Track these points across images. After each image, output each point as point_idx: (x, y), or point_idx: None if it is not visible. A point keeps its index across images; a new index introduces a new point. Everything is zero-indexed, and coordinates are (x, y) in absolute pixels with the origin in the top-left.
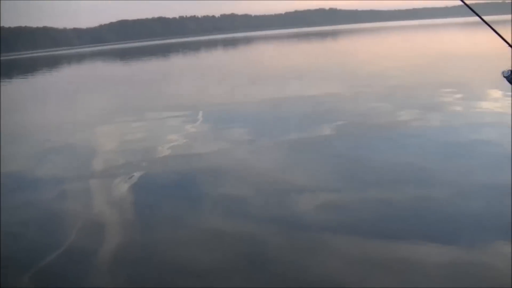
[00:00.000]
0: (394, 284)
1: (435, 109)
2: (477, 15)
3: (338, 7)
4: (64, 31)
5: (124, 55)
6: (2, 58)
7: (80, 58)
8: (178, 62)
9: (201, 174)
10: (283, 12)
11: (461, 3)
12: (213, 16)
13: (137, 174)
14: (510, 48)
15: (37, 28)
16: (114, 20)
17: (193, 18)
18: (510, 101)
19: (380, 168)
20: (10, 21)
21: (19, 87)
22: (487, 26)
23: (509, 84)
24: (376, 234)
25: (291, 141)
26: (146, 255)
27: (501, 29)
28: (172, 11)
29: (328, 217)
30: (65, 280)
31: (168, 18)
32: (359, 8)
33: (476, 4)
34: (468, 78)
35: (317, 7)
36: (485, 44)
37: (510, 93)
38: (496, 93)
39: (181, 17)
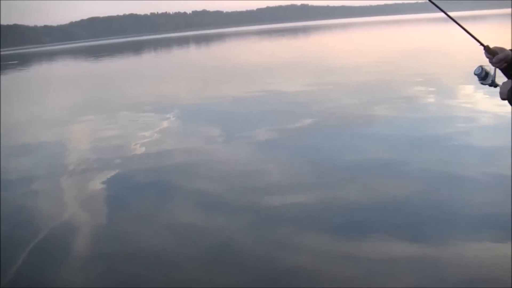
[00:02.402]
0: (359, 275)
1: (407, 103)
2: (446, 14)
3: (310, 3)
4: (34, 28)
5: (95, 53)
6: None
7: (51, 55)
8: (150, 59)
9: (175, 170)
10: (254, 9)
11: None
12: (185, 13)
13: (112, 171)
14: (481, 46)
15: (7, 26)
16: (84, 17)
17: (165, 15)
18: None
19: (351, 163)
20: None
21: None
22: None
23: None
24: (344, 228)
25: (264, 137)
26: (119, 250)
27: (472, 24)
28: (143, 7)
29: (298, 211)
30: (40, 273)
31: (139, 15)
32: (331, 4)
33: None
34: (440, 72)
35: (289, 3)
36: (458, 38)
37: (480, 87)
38: (467, 87)
39: (153, 14)
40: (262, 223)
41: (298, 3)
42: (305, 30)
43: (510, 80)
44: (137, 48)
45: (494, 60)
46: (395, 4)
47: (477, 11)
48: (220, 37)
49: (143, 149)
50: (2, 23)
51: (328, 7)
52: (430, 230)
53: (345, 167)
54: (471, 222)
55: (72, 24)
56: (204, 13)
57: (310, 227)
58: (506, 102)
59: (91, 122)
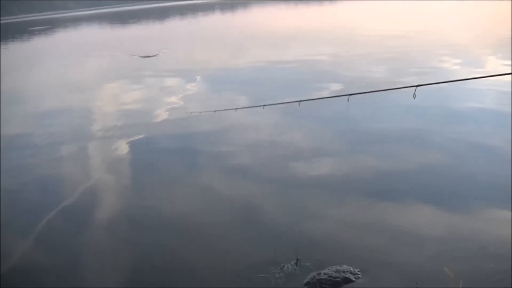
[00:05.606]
0: (387, 244)
1: (432, 73)
2: None
3: None
4: None
5: (122, 19)
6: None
7: (77, 21)
8: (176, 26)
9: (201, 136)
10: None
11: None
12: None
13: (138, 136)
14: None
15: None
16: None
17: None
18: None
19: (378, 132)
20: None
21: (20, 50)
22: None
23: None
24: (370, 196)
25: (290, 104)
26: (145, 214)
27: None
28: None
29: (324, 179)
30: (65, 236)
31: None
32: None
33: None
34: (467, 44)
35: None
36: (482, 10)
37: (508, 60)
38: (493, 59)
39: None
40: (287, 190)
41: None
42: None
43: None
44: (163, 14)
45: None
46: None
47: None
48: (245, 4)
49: (169, 115)
50: None
51: None
52: (456, 200)
53: (372, 136)
54: (498, 193)
55: None
56: None
57: (336, 195)
58: None
59: (117, 88)
